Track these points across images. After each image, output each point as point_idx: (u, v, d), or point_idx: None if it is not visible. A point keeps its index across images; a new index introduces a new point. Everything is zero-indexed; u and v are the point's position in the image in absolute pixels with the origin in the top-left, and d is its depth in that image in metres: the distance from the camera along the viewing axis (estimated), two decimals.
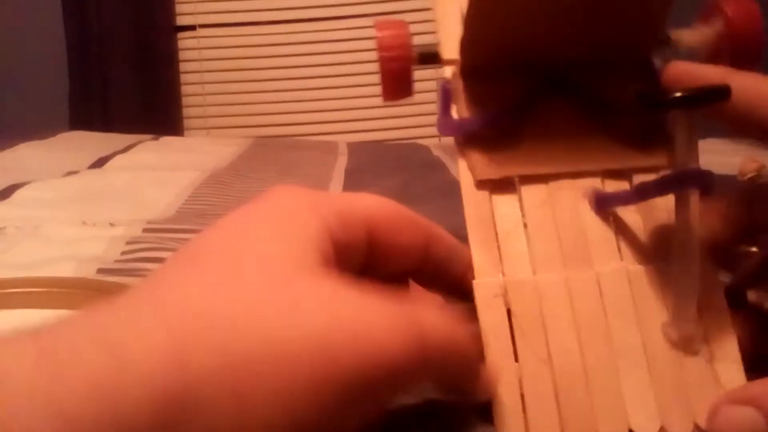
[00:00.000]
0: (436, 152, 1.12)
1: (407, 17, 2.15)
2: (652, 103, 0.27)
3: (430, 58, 0.32)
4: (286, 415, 0.19)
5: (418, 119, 1.92)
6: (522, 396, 0.25)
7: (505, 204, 0.28)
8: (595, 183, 0.29)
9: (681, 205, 0.26)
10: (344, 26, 1.94)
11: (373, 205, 0.26)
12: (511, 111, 0.29)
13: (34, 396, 0.17)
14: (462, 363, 0.24)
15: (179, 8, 1.92)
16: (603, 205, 0.29)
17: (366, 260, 0.26)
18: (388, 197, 0.27)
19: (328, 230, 0.24)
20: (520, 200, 0.29)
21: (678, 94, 0.25)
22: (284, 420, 0.19)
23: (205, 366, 0.19)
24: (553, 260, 0.27)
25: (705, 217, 0.27)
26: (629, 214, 0.29)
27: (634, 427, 0.25)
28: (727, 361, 0.26)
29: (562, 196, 0.29)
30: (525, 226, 0.28)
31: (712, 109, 0.26)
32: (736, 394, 0.25)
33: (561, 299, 0.26)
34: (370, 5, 1.93)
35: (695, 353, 0.26)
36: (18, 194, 0.79)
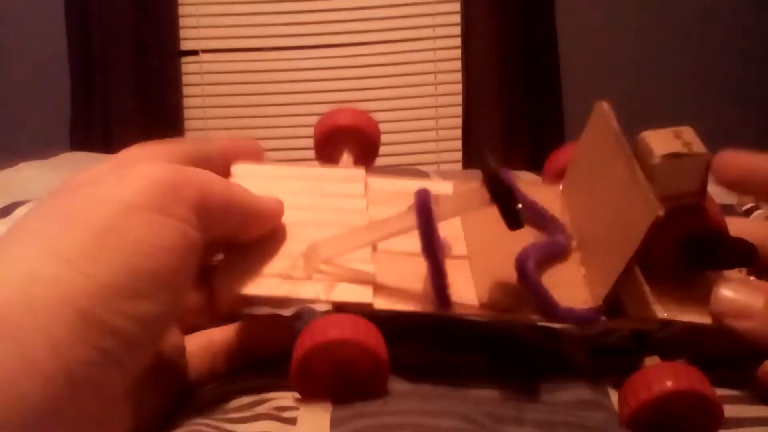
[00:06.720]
0: (435, 178, 1.12)
1: (403, 46, 2.14)
2: None
3: None
4: None
5: (419, 146, 1.93)
6: None
7: None
8: None
9: None
10: (345, 53, 1.96)
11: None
12: None
13: None
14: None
15: (182, 33, 1.94)
16: None
17: None
18: None
19: None
20: None
21: None
22: None
23: None
24: None
25: None
26: None
27: None
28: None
29: None
30: None
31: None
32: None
33: None
34: (370, 33, 1.95)
35: None
36: (18, 212, 0.79)
